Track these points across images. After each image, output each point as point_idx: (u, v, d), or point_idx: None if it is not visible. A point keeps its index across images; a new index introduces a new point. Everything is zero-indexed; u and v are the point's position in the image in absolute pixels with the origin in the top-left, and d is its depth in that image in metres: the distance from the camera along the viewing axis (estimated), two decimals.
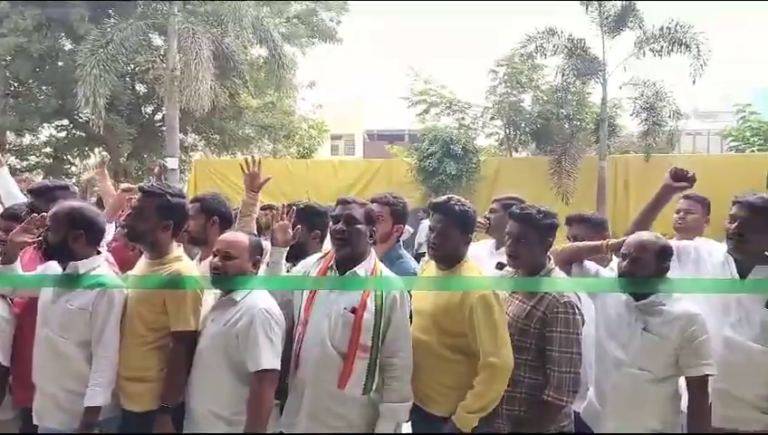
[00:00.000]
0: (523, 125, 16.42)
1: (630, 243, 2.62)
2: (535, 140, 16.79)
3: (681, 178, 2.90)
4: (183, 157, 17.46)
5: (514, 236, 2.75)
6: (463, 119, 17.35)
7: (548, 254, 2.81)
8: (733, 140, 19.08)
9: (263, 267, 2.83)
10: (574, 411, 2.77)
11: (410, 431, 2.87)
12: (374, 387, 2.60)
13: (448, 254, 2.77)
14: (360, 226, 2.66)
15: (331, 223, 2.78)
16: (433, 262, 2.87)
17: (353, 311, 2.59)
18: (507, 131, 17.36)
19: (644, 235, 2.64)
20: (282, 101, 18.03)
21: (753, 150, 17.51)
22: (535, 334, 2.65)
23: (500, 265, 3.05)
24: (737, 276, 2.63)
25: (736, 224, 2.61)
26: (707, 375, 2.45)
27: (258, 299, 2.62)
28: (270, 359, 2.52)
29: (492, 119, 17.34)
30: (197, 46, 12.80)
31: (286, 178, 14.28)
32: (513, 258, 2.81)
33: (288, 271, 3.03)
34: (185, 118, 14.75)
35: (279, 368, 2.56)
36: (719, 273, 2.71)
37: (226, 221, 3.24)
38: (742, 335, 2.56)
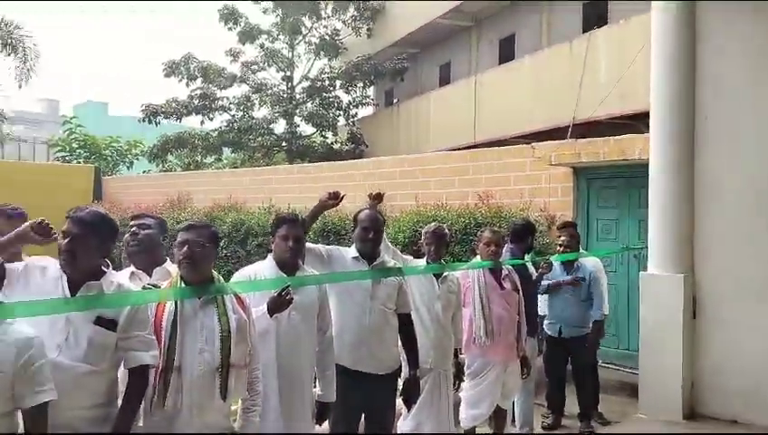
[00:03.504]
0: None
1: None
2: None
3: (335, 197, 3.65)
4: None
5: None
6: None
7: None
8: (60, 150, 19.35)
9: None
10: None
11: None
12: None
13: None
14: None
15: None
16: None
17: None
18: None
19: None
20: None
21: (79, 161, 18.21)
22: None
23: None
24: (69, 294, 2.58)
25: (69, 239, 2.56)
26: (47, 402, 2.29)
27: None
28: None
29: None
30: None
31: None
32: None
33: None
34: None
35: None
36: (51, 290, 2.60)
37: None
38: (67, 357, 2.50)
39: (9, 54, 13.20)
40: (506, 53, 14.75)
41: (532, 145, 8.26)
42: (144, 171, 19.48)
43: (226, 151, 19.13)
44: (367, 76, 17.14)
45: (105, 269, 2.68)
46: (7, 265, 2.54)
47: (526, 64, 12.84)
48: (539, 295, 5.40)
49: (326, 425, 3.54)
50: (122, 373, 2.66)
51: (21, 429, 2.33)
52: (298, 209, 8.33)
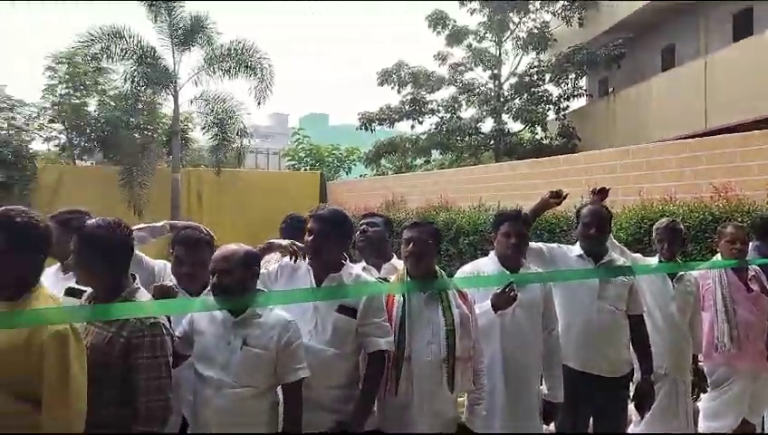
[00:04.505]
0: (88, 131, 15.15)
1: (215, 257, 2.60)
2: (102, 149, 15.68)
3: (557, 196, 3.57)
4: None
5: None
6: (14, 118, 14.98)
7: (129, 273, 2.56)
8: (290, 160, 21.54)
9: None
10: None
11: None
12: None
13: (10, 280, 2.24)
14: None
15: None
16: None
17: None
18: (70, 137, 15.75)
19: (227, 247, 2.65)
20: None
21: (305, 169, 20.11)
22: (119, 364, 2.36)
23: (72, 291, 2.65)
24: (316, 285, 2.86)
25: (313, 237, 2.84)
26: (302, 379, 2.57)
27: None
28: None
29: (51, 121, 15.49)
30: None
31: None
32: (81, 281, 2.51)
33: None
34: None
35: None
36: (301, 283, 2.90)
37: None
38: (317, 341, 2.78)
39: (250, 76, 15.01)
40: (742, 28, 13.05)
41: None
42: (360, 175, 20.85)
43: (435, 153, 19.67)
44: (579, 66, 16.40)
45: (344, 262, 2.92)
46: (270, 267, 2.93)
47: None
48: None
49: (553, 426, 3.46)
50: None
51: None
52: (508, 208, 8.31)
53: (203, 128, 15.80)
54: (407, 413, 2.83)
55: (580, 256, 3.54)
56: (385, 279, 3.19)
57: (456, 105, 18.11)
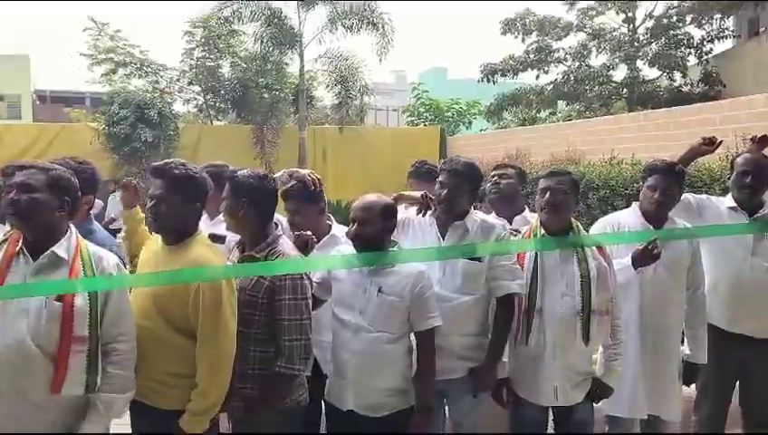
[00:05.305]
0: (222, 92, 16.01)
1: (356, 206, 2.67)
2: (235, 109, 16.54)
3: (710, 143, 3.42)
4: None
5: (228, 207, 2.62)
6: (157, 82, 16.16)
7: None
8: (409, 116, 21.55)
9: None
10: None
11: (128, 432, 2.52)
12: (98, 381, 2.18)
13: (173, 225, 2.46)
14: (38, 194, 2.16)
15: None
16: (158, 235, 2.53)
17: (59, 299, 2.12)
18: (206, 98, 16.75)
19: (367, 197, 2.71)
20: None
21: (425, 124, 20.04)
22: (264, 306, 2.54)
23: (214, 237, 2.85)
24: (441, 237, 2.88)
25: (446, 190, 2.84)
26: (434, 327, 2.63)
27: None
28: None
29: (190, 84, 16.53)
30: None
31: None
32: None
33: None
34: None
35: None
36: (426, 235, 2.93)
37: None
38: (446, 289, 2.81)
39: (371, 32, 15.09)
40: None
41: None
42: (481, 130, 20.46)
43: (561, 104, 18.83)
44: (725, 5, 14.84)
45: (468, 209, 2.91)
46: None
47: None
48: None
49: (694, 387, 3.29)
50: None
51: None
52: (643, 160, 7.78)
53: (327, 86, 16.17)
54: (538, 364, 2.81)
55: (732, 208, 3.27)
56: (516, 231, 3.14)
57: (584, 52, 17.13)
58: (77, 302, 2.14)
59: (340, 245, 2.98)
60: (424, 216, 2.98)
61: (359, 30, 15.23)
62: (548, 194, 2.83)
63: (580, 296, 2.75)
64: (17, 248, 2.18)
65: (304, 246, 2.85)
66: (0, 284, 2.12)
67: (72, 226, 2.30)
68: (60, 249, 2.19)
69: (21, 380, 2.09)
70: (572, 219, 2.92)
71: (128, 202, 3.12)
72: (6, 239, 2.23)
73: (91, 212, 2.98)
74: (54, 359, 2.11)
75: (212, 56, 15.77)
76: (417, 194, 3.08)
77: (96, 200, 3.07)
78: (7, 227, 2.32)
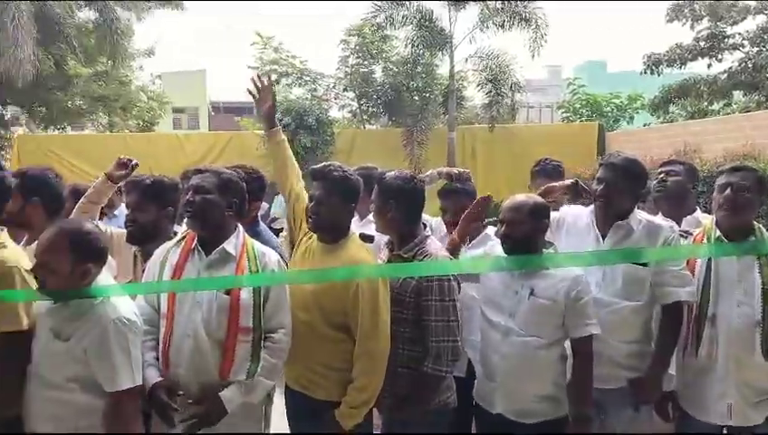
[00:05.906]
0: (374, 97, 16.48)
1: (505, 206, 2.60)
2: (387, 112, 16.94)
3: None
4: (1, 132, 15.48)
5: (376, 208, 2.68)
6: (315, 90, 17.04)
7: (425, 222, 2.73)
8: (564, 112, 20.70)
9: None
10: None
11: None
12: (258, 369, 2.36)
13: (331, 225, 2.58)
14: (211, 195, 2.35)
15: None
16: (315, 235, 2.66)
17: (228, 292, 2.32)
18: (359, 103, 17.35)
19: (517, 197, 2.63)
20: (116, 70, 16.55)
21: (582, 120, 19.13)
22: (411, 304, 2.56)
23: (364, 237, 2.92)
24: (600, 237, 2.71)
25: (603, 185, 2.68)
26: (592, 335, 2.48)
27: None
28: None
29: (344, 90, 17.22)
30: (14, 8, 11.27)
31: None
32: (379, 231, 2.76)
33: (136, 256, 2.70)
34: (4, 89, 12.99)
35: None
36: (584, 236, 2.77)
37: (53, 201, 2.77)
38: (606, 293, 2.64)
39: (524, 28, 14.70)
40: None
41: None
42: (645, 124, 19.11)
43: (737, 94, 17.02)
44: None
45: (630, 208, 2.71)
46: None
47: None
48: None
49: None
50: None
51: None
52: None
53: (477, 85, 16.01)
54: (709, 378, 2.55)
55: None
56: (687, 232, 2.87)
57: (765, 36, 15.32)
58: (243, 295, 2.31)
59: (492, 241, 2.95)
60: (576, 200, 2.84)
61: (510, 27, 14.90)
62: (728, 190, 2.55)
63: (761, 306, 2.46)
64: (192, 245, 2.41)
65: (456, 248, 2.84)
66: (178, 277, 2.35)
67: (239, 225, 2.50)
68: (229, 246, 2.39)
69: (196, 366, 2.30)
70: (754, 222, 2.61)
71: None
72: (184, 237, 2.47)
73: (258, 216, 3.21)
74: (223, 347, 2.29)
75: (365, 62, 16.30)
76: (568, 182, 2.95)
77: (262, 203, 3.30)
78: (184, 227, 2.57)
